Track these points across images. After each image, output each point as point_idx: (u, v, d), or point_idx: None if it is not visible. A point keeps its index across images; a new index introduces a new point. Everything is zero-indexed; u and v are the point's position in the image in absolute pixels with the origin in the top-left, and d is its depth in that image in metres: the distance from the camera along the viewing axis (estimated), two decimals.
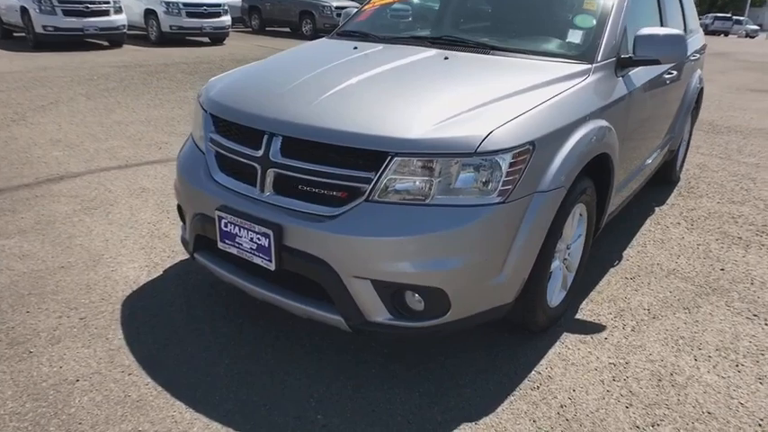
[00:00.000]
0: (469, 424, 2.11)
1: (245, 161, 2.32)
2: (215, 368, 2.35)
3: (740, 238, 3.74)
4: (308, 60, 2.97)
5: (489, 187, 2.09)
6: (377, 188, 2.08)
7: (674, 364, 2.48)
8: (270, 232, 2.16)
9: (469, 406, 2.19)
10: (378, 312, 2.14)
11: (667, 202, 4.31)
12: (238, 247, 2.31)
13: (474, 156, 2.04)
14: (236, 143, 2.37)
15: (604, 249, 3.48)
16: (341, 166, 2.12)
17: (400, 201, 2.09)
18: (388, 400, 2.21)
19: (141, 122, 5.79)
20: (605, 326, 2.73)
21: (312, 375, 2.32)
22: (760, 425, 2.16)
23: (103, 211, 3.79)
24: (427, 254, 2.05)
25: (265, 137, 2.25)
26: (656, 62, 2.82)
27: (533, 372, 2.39)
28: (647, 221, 3.94)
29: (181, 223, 2.80)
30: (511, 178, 2.10)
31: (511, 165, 2.09)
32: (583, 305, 2.89)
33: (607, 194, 2.83)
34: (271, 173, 2.23)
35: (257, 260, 2.26)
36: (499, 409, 2.19)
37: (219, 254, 2.43)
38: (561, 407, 2.21)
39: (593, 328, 2.71)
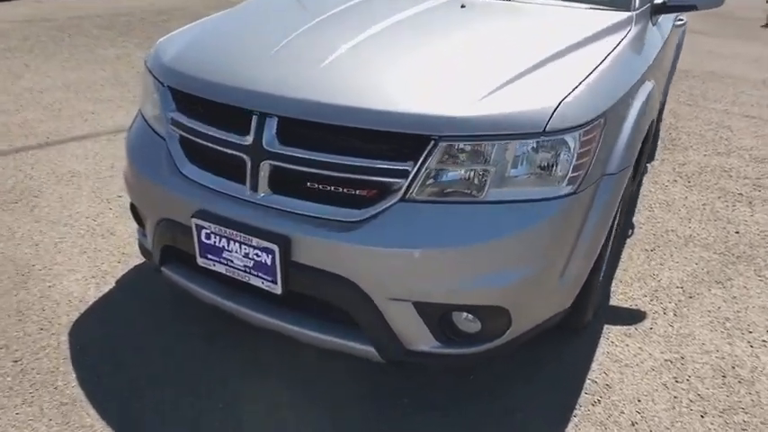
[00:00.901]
0: None
1: (226, 151, 1.73)
2: (207, 417, 1.82)
3: (741, 194, 3.51)
4: (293, 10, 2.33)
5: (557, 175, 1.62)
6: (416, 183, 1.56)
7: (730, 354, 2.18)
8: (274, 247, 1.62)
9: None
10: (421, 340, 1.67)
11: (656, 157, 4.03)
12: (227, 265, 1.74)
13: (542, 136, 1.56)
14: (212, 127, 1.77)
15: None
16: (365, 156, 1.58)
17: (446, 198, 1.59)
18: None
19: (58, 89, 4.86)
20: (645, 312, 2.39)
21: (329, 417, 1.84)
22: None
23: (26, 204, 3.04)
24: (486, 266, 1.57)
25: (254, 118, 1.66)
26: (694, 8, 2.40)
27: (588, 381, 2.02)
28: (645, 181, 3.63)
29: (137, 227, 2.18)
30: (582, 161, 1.64)
31: (582, 144, 1.63)
32: (614, 287, 2.54)
33: (641, 162, 2.45)
34: (265, 166, 1.66)
35: (256, 281, 1.71)
36: None
37: (196, 266, 1.86)
38: (633, 425, 1.85)
39: (632, 316, 2.37)
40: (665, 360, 2.13)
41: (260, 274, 1.68)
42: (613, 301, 2.44)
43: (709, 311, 2.41)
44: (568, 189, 1.63)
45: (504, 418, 1.85)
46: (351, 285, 1.59)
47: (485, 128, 1.53)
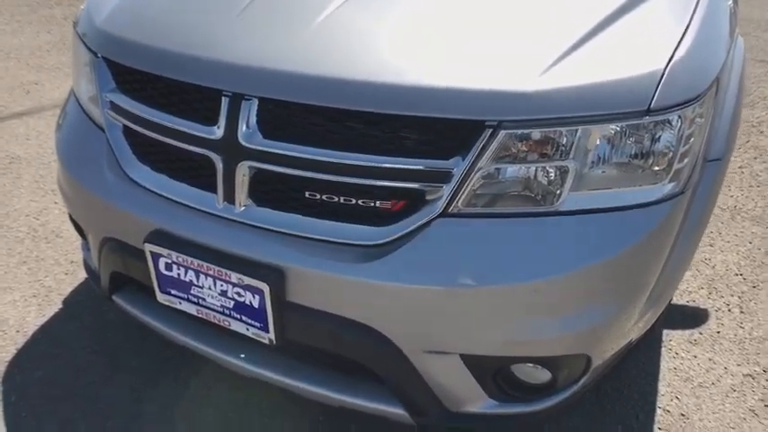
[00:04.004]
0: None
1: (186, 147, 1.21)
2: None
3: None
4: None
5: (656, 168, 1.13)
6: (465, 190, 1.07)
7: None
8: (262, 285, 1.12)
9: None
10: (471, 400, 1.20)
11: None
12: (198, 305, 1.25)
13: (647, 115, 1.07)
14: (165, 114, 1.23)
15: None
16: (388, 153, 1.07)
17: (507, 210, 1.10)
18: None
19: None
20: (706, 309, 1.97)
21: None
22: None
23: None
24: (566, 305, 1.10)
25: (225, 101, 1.13)
26: None
27: (659, 411, 1.60)
28: None
29: (81, 239, 1.66)
30: (689, 147, 1.15)
31: (690, 123, 1.14)
32: None
33: None
34: (243, 169, 1.15)
35: (238, 327, 1.21)
36: None
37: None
38: None
39: (693, 316, 1.95)
40: (746, 375, 1.72)
41: (244, 318, 1.19)
42: None
43: None
44: (672, 187, 1.14)
45: None
46: (372, 334, 1.11)
47: (567, 108, 1.03)
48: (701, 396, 1.64)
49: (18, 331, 1.80)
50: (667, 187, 1.13)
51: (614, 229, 1.10)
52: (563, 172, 1.08)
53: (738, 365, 1.75)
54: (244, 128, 1.12)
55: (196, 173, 1.23)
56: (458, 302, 1.07)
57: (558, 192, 1.09)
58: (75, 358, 1.72)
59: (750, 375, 1.72)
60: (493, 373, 1.17)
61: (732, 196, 2.65)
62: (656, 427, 1.55)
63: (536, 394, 1.22)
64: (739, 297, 2.03)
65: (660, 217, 1.12)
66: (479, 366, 1.15)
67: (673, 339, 1.83)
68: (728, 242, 2.32)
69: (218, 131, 1.14)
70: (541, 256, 1.07)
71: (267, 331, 1.17)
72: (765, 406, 1.62)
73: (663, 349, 1.79)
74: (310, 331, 1.17)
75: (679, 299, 2.00)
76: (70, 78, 3.74)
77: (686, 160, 1.15)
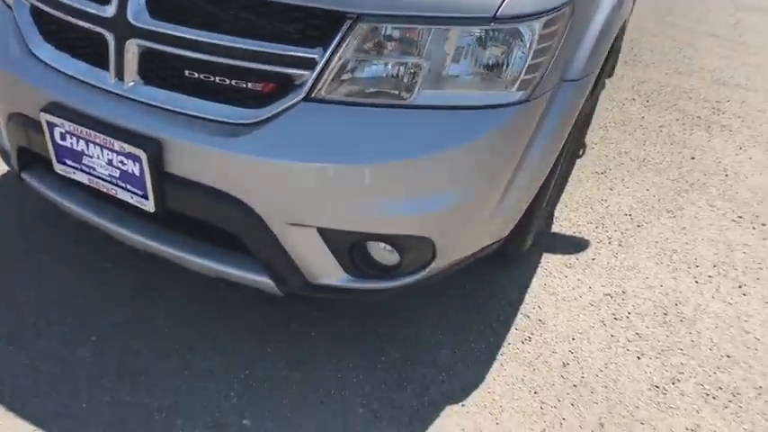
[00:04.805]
0: (455, 408, 1.49)
1: (82, 25, 1.30)
2: (76, 350, 1.51)
3: (699, 117, 3.24)
4: None
5: (506, 76, 1.27)
6: (326, 77, 1.19)
7: (675, 289, 1.98)
8: (140, 153, 1.24)
9: (451, 378, 1.57)
10: (328, 272, 1.36)
11: (615, 72, 3.70)
12: (89, 174, 1.37)
13: (492, 22, 1.19)
14: None
15: None
16: (262, 38, 1.18)
17: (364, 100, 1.23)
18: (341, 382, 1.52)
19: None
20: (589, 240, 2.15)
21: (227, 351, 1.56)
22: None
23: None
24: (411, 188, 1.25)
25: None
26: None
27: (520, 316, 1.79)
28: (602, 96, 3.32)
29: None
30: (539, 61, 1.29)
31: (541, 38, 1.27)
32: (557, 212, 2.28)
33: (603, 72, 2.11)
34: (132, 47, 1.25)
35: (124, 195, 1.34)
36: (489, 377, 1.58)
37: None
38: (563, 366, 1.65)
39: (575, 244, 2.13)
40: (605, 294, 1.91)
41: (128, 187, 1.32)
42: (556, 228, 2.19)
43: (656, 242, 2.19)
44: (520, 95, 1.28)
45: (423, 354, 1.61)
46: (240, 206, 1.25)
47: (420, 7, 1.15)
48: (560, 307, 1.83)
49: None
50: (515, 95, 1.28)
51: (460, 126, 1.24)
52: (417, 69, 1.21)
53: (602, 286, 1.94)
54: (133, 7, 1.22)
55: (93, 50, 1.33)
56: (315, 179, 1.21)
57: (413, 88, 1.22)
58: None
59: (609, 295, 1.91)
60: (347, 248, 1.32)
61: (645, 150, 2.82)
62: (513, 327, 1.74)
63: (386, 273, 1.38)
64: (622, 233, 2.21)
65: (504, 120, 1.27)
66: (335, 241, 1.30)
67: (550, 262, 2.01)
68: (628, 188, 2.50)
69: (109, 10, 1.24)
70: (392, 142, 1.21)
71: (147, 199, 1.30)
72: (615, 319, 1.82)
73: (539, 269, 1.97)
74: (186, 201, 1.31)
75: (566, 230, 2.18)
76: None
77: (536, 74, 1.29)
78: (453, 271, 1.50)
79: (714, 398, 1.62)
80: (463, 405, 1.49)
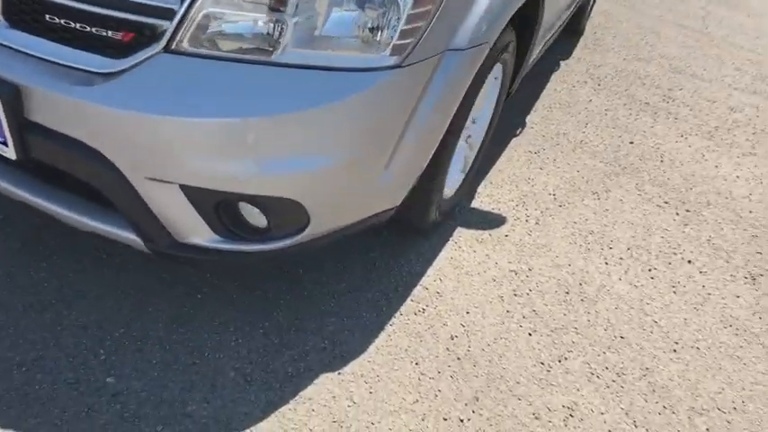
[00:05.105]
0: (331, 376, 1.48)
1: None
2: None
3: (647, 103, 3.22)
4: None
5: (379, 39, 1.23)
6: (186, 28, 1.14)
7: (582, 269, 1.97)
8: None
9: (334, 346, 1.55)
10: (195, 232, 1.32)
11: (573, 55, 3.65)
12: None
13: None
14: None
15: (505, 113, 2.80)
16: None
17: (226, 54, 1.19)
18: (217, 344, 1.50)
19: None
20: (506, 217, 2.13)
21: (107, 309, 1.52)
22: (674, 350, 1.75)
23: None
24: (274, 147, 1.21)
25: None
26: None
27: (418, 287, 1.77)
28: (553, 78, 3.28)
29: None
30: (414, 26, 1.25)
31: (416, 3, 1.23)
32: (480, 188, 2.25)
33: (528, 48, 2.07)
34: None
35: None
36: (373, 347, 1.57)
37: None
38: (451, 339, 1.64)
39: (491, 220, 2.11)
40: (510, 271, 1.90)
41: None
42: (476, 203, 2.16)
43: (575, 222, 2.18)
44: (393, 60, 1.25)
45: (309, 321, 1.59)
46: (99, 158, 1.20)
47: None
48: (462, 281, 1.82)
49: None
50: (387, 59, 1.24)
51: (326, 86, 1.20)
52: (283, 26, 1.17)
53: (509, 263, 1.93)
54: None
55: None
56: (171, 133, 1.17)
57: (278, 45, 1.17)
58: None
59: (514, 271, 1.90)
60: (213, 207, 1.28)
61: (584, 132, 2.80)
62: (409, 298, 1.72)
63: (256, 236, 1.36)
64: (542, 212, 2.20)
65: (375, 84, 1.23)
66: (198, 199, 1.26)
67: (462, 236, 1.99)
68: (559, 168, 2.48)
69: None
70: (253, 99, 1.17)
71: (7, 145, 1.26)
72: (514, 295, 1.81)
73: (449, 242, 1.96)
74: (48, 151, 1.26)
75: (486, 206, 2.16)
76: None
77: (411, 39, 1.25)
78: (344, 236, 1.48)
79: (598, 377, 1.62)
80: (339, 373, 1.48)
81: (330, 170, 1.28)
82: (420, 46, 1.27)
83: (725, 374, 1.71)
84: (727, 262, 2.15)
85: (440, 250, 1.91)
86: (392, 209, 1.55)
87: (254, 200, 1.27)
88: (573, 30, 3.87)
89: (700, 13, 5.06)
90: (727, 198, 2.51)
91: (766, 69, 4.06)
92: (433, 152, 1.50)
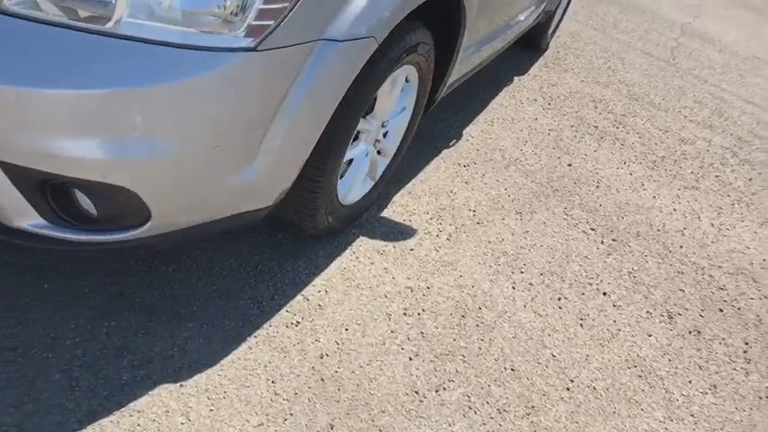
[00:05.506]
0: (171, 387, 1.32)
1: None
2: None
3: (596, 127, 3.12)
4: None
5: (230, 18, 1.09)
6: None
7: (486, 292, 1.84)
8: None
9: (184, 355, 1.39)
10: (22, 215, 1.16)
11: (529, 72, 3.54)
12: None
13: None
14: None
15: (443, 123, 2.67)
16: None
17: (55, 20, 1.03)
18: (51, 342, 1.33)
19: None
20: (416, 230, 1.99)
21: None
22: (568, 388, 1.62)
23: None
24: (102, 126, 1.06)
25: None
26: None
27: (299, 297, 1.62)
28: (502, 93, 3.16)
29: None
30: (273, 7, 1.11)
31: None
32: (397, 197, 2.11)
33: (453, 55, 1.94)
34: None
35: None
36: (228, 360, 1.41)
37: None
38: (321, 357, 1.49)
39: (400, 231, 1.97)
40: (407, 287, 1.76)
41: None
42: (388, 213, 2.02)
43: (489, 242, 2.05)
44: (247, 42, 1.10)
45: (164, 325, 1.43)
46: None
47: None
48: (350, 294, 1.67)
49: None
50: (240, 40, 1.09)
51: (170, 62, 1.05)
52: None
53: (408, 279, 1.79)
54: None
55: None
56: None
57: (111, 14, 1.02)
58: None
59: (411, 288, 1.76)
60: (37, 188, 1.12)
61: (521, 150, 2.68)
62: (285, 308, 1.57)
63: (88, 225, 1.20)
64: (456, 228, 2.07)
65: (222, 65, 1.08)
66: (18, 177, 1.09)
67: (363, 246, 1.85)
68: (485, 184, 2.35)
69: None
70: (76, 69, 1.01)
71: None
72: (404, 314, 1.67)
73: (347, 251, 1.81)
74: None
75: (397, 216, 2.02)
76: None
77: (270, 21, 1.11)
78: (210, 234, 1.33)
79: (476, 412, 1.48)
80: (182, 385, 1.32)
81: (169, 158, 1.12)
82: (283, 30, 1.13)
83: (617, 420, 1.58)
84: (646, 297, 2.03)
85: (334, 259, 1.77)
86: (264, 209, 1.40)
87: (80, 184, 1.11)
88: (534, 46, 3.77)
89: (670, 44, 5.01)
90: (659, 230, 2.40)
91: (727, 105, 4.00)
92: (310, 150, 1.36)
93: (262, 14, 1.09)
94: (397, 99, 1.76)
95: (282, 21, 1.12)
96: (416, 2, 1.42)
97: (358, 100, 1.42)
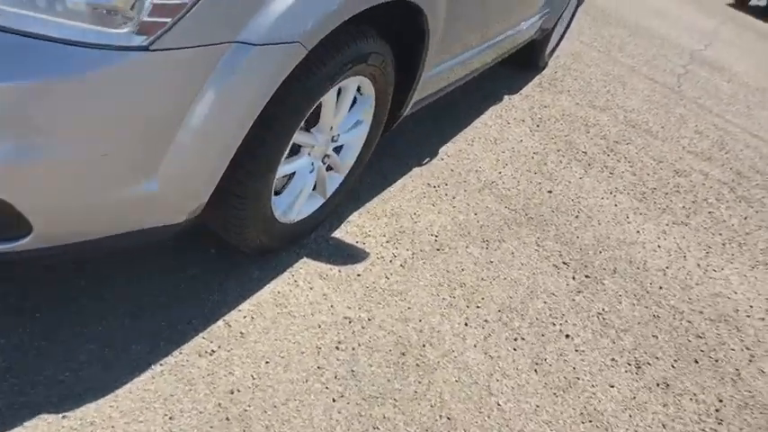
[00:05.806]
0: (51, 419, 1.17)
1: None
2: None
3: (585, 152, 2.96)
4: None
5: (119, 13, 0.96)
6: None
7: (434, 328, 1.69)
8: None
9: (77, 381, 1.25)
10: None
11: (522, 91, 3.39)
12: None
13: None
14: None
15: (420, 140, 2.53)
16: None
17: None
18: None
19: None
20: (368, 253, 1.85)
21: None
22: None
23: None
24: None
25: None
26: None
27: (220, 323, 1.48)
28: (489, 112, 3.01)
29: None
30: (171, 3, 0.98)
31: None
32: (353, 217, 1.97)
33: (416, 71, 1.79)
34: None
35: None
36: (125, 390, 1.26)
37: None
38: (231, 393, 1.34)
39: (349, 255, 1.82)
40: (345, 317, 1.61)
41: None
42: (339, 233, 1.88)
43: (447, 271, 1.89)
44: (139, 40, 0.97)
45: (61, 345, 1.28)
46: None
47: None
48: (279, 322, 1.53)
49: None
50: (129, 38, 0.96)
51: (30, 60, 0.92)
52: None
53: (349, 308, 1.64)
54: None
55: None
56: None
57: None
58: None
59: (349, 319, 1.61)
60: None
61: (499, 173, 2.52)
62: (201, 335, 1.42)
63: None
64: (413, 254, 1.91)
65: (107, 65, 0.95)
66: None
67: (305, 269, 1.70)
68: (454, 207, 2.20)
69: None
70: None
71: None
72: (337, 349, 1.52)
73: (285, 273, 1.66)
74: None
75: (349, 237, 1.88)
76: None
77: (165, 18, 0.97)
78: (115, 249, 1.20)
79: None
80: (64, 416, 1.18)
81: (46, 165, 0.99)
82: (182, 29, 0.99)
83: None
84: (614, 342, 1.87)
85: (269, 281, 1.62)
86: (174, 225, 1.27)
87: None
88: (531, 64, 3.63)
89: (678, 71, 4.84)
90: (638, 268, 2.24)
91: (730, 137, 3.83)
92: (226, 163, 1.22)
93: (156, 10, 0.96)
94: (346, 112, 1.61)
95: (181, 18, 0.99)
96: (358, 7, 1.28)
97: (287, 111, 1.28)
